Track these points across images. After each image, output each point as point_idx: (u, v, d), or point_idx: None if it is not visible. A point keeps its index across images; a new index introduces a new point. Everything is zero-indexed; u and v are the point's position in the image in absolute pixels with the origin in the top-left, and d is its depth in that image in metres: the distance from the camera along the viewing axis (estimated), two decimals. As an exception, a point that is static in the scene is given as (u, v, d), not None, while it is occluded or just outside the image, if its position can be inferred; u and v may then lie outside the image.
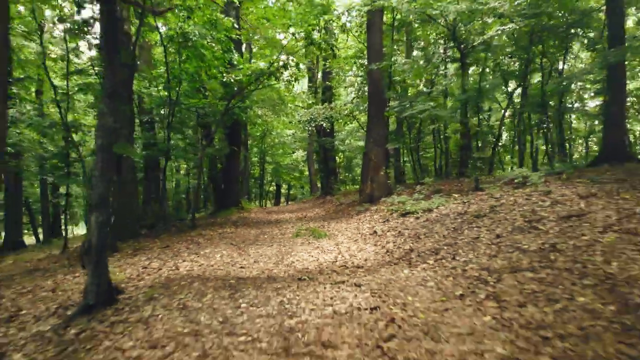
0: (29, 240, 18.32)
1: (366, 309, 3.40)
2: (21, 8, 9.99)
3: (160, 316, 3.51)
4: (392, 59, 10.69)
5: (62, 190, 18.30)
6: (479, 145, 13.29)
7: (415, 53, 10.56)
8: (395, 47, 11.36)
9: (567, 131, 13.74)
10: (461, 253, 4.71)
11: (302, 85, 21.90)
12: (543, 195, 6.33)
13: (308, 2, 9.23)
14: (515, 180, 8.09)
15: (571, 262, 3.68)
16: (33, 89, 14.25)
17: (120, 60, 4.50)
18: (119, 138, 7.75)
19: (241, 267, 5.49)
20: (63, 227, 18.04)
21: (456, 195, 8.17)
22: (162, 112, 11.94)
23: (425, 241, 5.71)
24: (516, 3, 8.62)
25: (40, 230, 19.09)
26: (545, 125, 10.34)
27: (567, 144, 13.38)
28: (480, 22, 8.68)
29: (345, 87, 16.76)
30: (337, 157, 22.04)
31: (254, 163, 27.19)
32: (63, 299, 4.44)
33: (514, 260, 4.02)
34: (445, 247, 5.13)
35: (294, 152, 28.25)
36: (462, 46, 8.82)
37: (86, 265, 3.97)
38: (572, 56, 13.66)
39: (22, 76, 12.16)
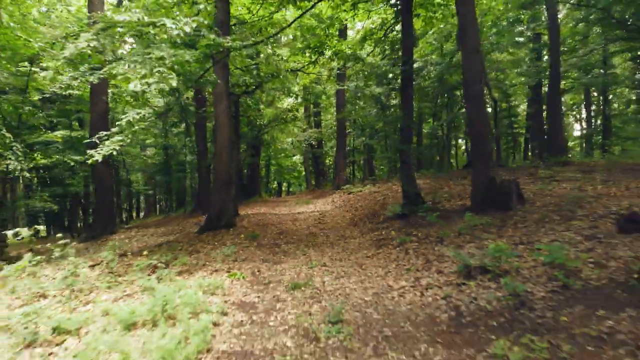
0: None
1: (317, 215, 11.35)
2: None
3: (253, 217, 11.45)
4: (355, 107, 18.74)
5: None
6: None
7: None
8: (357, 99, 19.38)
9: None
10: (357, 204, 12.63)
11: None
12: (410, 184, 14.20)
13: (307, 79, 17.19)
14: (407, 177, 15.95)
15: (377, 196, 11.56)
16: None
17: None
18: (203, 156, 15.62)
19: (274, 211, 13.39)
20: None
21: (377, 184, 16.05)
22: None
23: (351, 202, 13.63)
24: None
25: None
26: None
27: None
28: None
29: (327, 120, 24.95)
30: (326, 161, 30.01)
31: (261, 165, 35.02)
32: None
33: (365, 201, 11.94)
34: (354, 203, 13.04)
35: (293, 156, 36.08)
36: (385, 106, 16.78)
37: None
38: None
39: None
